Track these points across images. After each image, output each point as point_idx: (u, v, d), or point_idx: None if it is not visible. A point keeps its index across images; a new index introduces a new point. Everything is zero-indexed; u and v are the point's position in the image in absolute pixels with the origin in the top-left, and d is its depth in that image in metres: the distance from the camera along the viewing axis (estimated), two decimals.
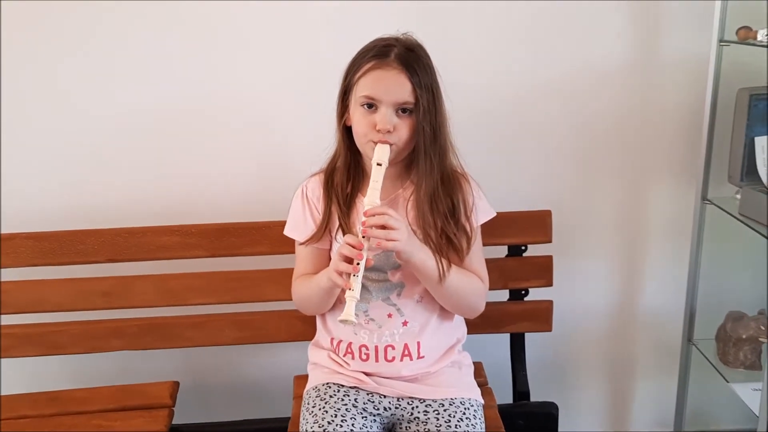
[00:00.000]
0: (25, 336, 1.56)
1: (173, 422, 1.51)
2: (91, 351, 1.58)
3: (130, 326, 1.57)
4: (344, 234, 1.26)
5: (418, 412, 1.29)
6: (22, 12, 1.52)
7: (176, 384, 1.59)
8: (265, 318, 1.59)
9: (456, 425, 1.25)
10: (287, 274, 1.43)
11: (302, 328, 1.55)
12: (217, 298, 1.57)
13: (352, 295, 1.12)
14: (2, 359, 1.68)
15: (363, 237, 1.14)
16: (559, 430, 1.65)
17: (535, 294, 1.62)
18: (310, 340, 1.46)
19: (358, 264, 1.13)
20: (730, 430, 1.90)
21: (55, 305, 1.55)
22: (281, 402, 1.66)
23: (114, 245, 1.53)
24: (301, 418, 1.32)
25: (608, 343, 1.86)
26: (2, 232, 1.53)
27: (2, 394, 1.58)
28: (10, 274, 1.54)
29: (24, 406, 1.54)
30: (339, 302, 1.33)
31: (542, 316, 1.61)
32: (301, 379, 1.52)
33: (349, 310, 1.12)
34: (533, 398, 1.65)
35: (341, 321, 1.12)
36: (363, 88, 1.21)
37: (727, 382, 1.56)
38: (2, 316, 1.56)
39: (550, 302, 1.61)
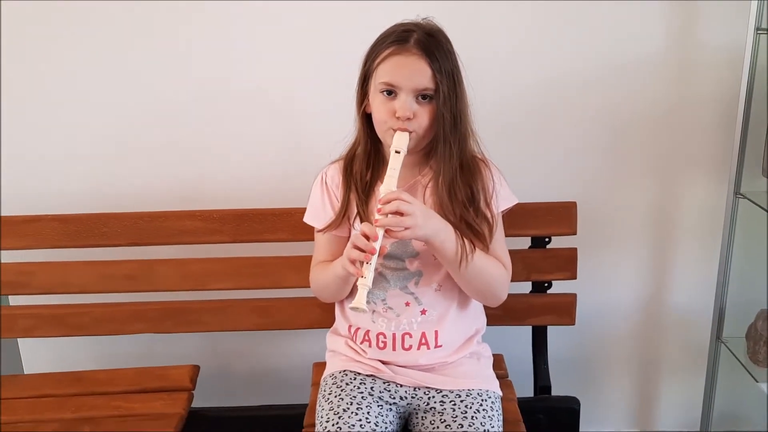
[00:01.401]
0: (49, 316, 1.59)
1: (192, 406, 1.52)
2: (113, 333, 1.60)
3: (152, 310, 1.59)
4: (362, 222, 1.25)
5: (435, 402, 1.27)
6: (46, 10, 1.54)
7: (196, 368, 1.60)
8: (284, 304, 1.59)
9: (473, 417, 1.23)
10: (306, 261, 1.43)
11: (321, 315, 1.55)
12: (237, 283, 1.57)
13: (364, 283, 1.11)
14: (27, 338, 1.73)
15: (377, 227, 1.13)
16: (581, 427, 1.63)
17: (559, 287, 1.59)
18: (329, 327, 1.46)
19: (370, 253, 1.12)
20: None
21: (79, 287, 1.57)
22: (299, 389, 1.67)
23: (136, 229, 1.54)
24: (317, 405, 1.32)
25: (633, 340, 1.82)
26: (29, 214, 1.55)
27: (26, 373, 1.62)
28: (36, 255, 1.56)
29: (47, 385, 1.56)
30: (356, 290, 1.32)
31: (565, 310, 1.58)
32: (320, 366, 1.51)
33: (360, 298, 1.10)
34: (554, 393, 1.63)
35: (352, 308, 1.11)
36: (382, 74, 1.20)
37: (756, 381, 1.52)
38: (28, 296, 1.59)
39: (574, 296, 1.58)
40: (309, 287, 1.43)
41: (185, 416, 1.47)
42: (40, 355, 1.79)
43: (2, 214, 1.56)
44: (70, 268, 1.56)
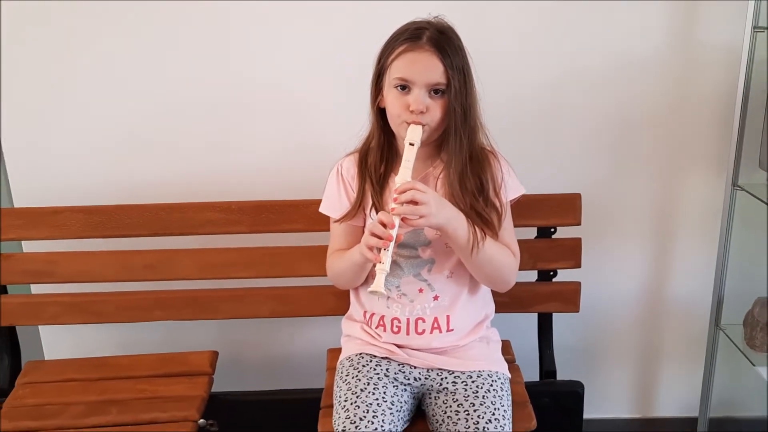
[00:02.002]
0: (72, 304, 1.64)
1: (211, 391, 1.58)
2: (134, 321, 1.65)
3: (172, 298, 1.64)
4: (377, 212, 1.30)
5: (447, 383, 1.34)
6: (67, 9, 1.60)
7: (215, 353, 1.66)
8: (300, 292, 1.65)
9: (483, 396, 1.29)
10: (322, 250, 1.48)
11: (336, 302, 1.61)
12: (254, 272, 1.63)
13: (382, 268, 1.17)
14: (50, 326, 1.78)
15: (393, 215, 1.19)
16: (584, 413, 1.68)
17: (564, 275, 1.65)
18: (343, 314, 1.52)
19: (387, 239, 1.17)
20: (756, 417, 1.91)
21: (101, 276, 1.62)
22: (313, 375, 1.72)
23: (157, 220, 1.60)
24: (334, 386, 1.38)
25: (635, 327, 1.87)
26: (53, 205, 1.60)
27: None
28: (59, 245, 1.62)
29: (71, 370, 1.62)
30: (371, 277, 1.37)
31: (570, 298, 1.64)
32: (335, 352, 1.58)
33: (379, 282, 1.16)
34: (559, 378, 1.68)
35: (371, 292, 1.17)
36: (396, 70, 1.25)
37: (754, 365, 1.58)
38: (53, 285, 1.64)
39: (578, 284, 1.64)
40: (324, 276, 1.49)
41: (207, 398, 1.53)
42: (59, 344, 1.84)
43: (28, 206, 1.61)
44: (94, 258, 1.62)
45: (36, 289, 1.74)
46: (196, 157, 1.70)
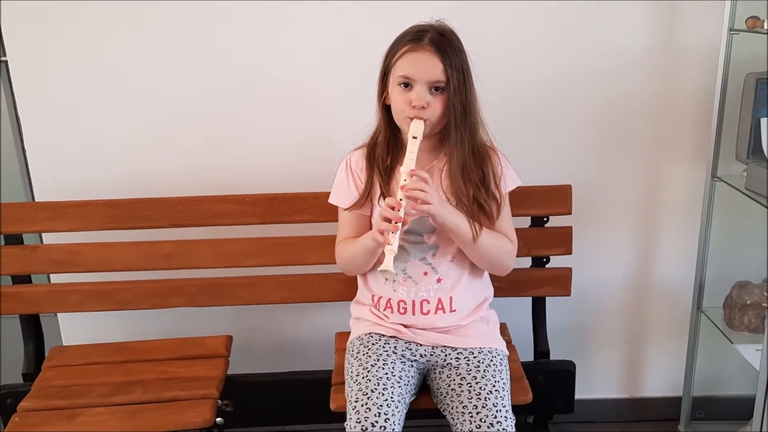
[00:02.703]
0: (94, 292, 1.73)
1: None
2: (153, 307, 1.74)
3: (189, 285, 1.73)
4: (385, 200, 1.41)
5: (451, 359, 1.45)
6: (89, 8, 1.69)
7: (230, 337, 1.76)
8: (309, 279, 1.75)
9: (484, 370, 1.41)
10: (330, 240, 1.59)
11: (343, 289, 1.71)
12: (266, 261, 1.72)
13: (391, 249, 1.27)
14: (68, 315, 1.87)
15: (401, 199, 1.29)
16: (576, 393, 1.79)
17: (556, 261, 1.76)
18: (350, 300, 1.62)
19: (396, 223, 1.28)
20: (737, 395, 2.02)
21: (123, 265, 1.71)
22: (322, 358, 1.84)
23: (176, 212, 1.69)
24: (345, 363, 1.48)
25: (623, 310, 1.98)
26: (79, 199, 1.69)
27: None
28: (83, 237, 1.71)
29: (94, 354, 1.72)
30: (379, 263, 1.48)
31: (562, 282, 1.75)
32: (342, 335, 1.69)
33: (388, 262, 1.27)
34: (552, 358, 1.79)
35: (381, 271, 1.28)
36: (400, 69, 1.36)
37: (732, 343, 1.68)
38: (76, 274, 1.73)
39: (570, 269, 1.75)
40: (332, 263, 1.60)
41: (224, 379, 1.63)
42: (77, 332, 1.93)
43: (54, 200, 1.70)
44: (115, 248, 1.71)
45: (59, 278, 1.82)
46: (212, 152, 1.80)
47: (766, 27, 1.53)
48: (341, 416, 1.41)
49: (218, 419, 1.58)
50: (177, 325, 1.88)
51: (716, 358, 1.95)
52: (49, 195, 1.78)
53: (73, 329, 1.94)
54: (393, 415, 1.30)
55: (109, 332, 1.88)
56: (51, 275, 1.85)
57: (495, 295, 1.61)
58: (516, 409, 1.40)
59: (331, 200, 1.53)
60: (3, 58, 1.88)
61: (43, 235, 1.83)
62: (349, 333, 1.58)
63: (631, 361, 2.05)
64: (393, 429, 1.28)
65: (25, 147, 1.80)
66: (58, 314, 1.94)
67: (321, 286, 1.75)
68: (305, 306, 1.87)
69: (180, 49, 1.73)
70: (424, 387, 1.50)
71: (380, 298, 1.51)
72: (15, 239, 1.70)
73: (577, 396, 1.82)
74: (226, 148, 1.80)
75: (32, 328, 1.76)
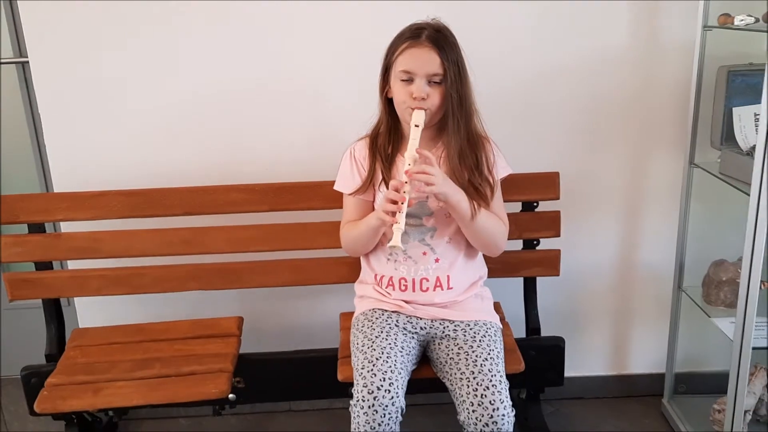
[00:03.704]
0: (114, 277, 1.84)
1: None
2: (170, 291, 1.85)
3: (203, 269, 1.85)
4: (386, 186, 1.53)
5: (449, 331, 1.57)
6: (114, 14, 1.81)
7: (241, 318, 1.88)
8: (315, 263, 1.86)
9: (480, 340, 1.53)
10: (334, 226, 1.71)
11: (347, 271, 1.82)
12: (275, 246, 1.84)
13: (398, 227, 1.39)
14: (90, 299, 1.98)
15: (406, 182, 1.41)
16: (566, 371, 1.90)
17: (546, 244, 1.88)
18: (353, 282, 1.74)
19: (402, 203, 1.40)
20: (717, 371, 2.12)
21: (141, 251, 1.82)
22: (327, 338, 1.94)
23: (190, 201, 1.80)
24: (351, 336, 1.60)
25: (610, 291, 2.09)
26: (99, 190, 1.80)
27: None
28: (104, 225, 1.82)
29: (114, 335, 1.83)
30: (380, 245, 1.61)
31: (551, 263, 1.87)
32: (347, 315, 1.80)
33: (396, 238, 1.39)
34: (543, 335, 1.91)
35: (390, 247, 1.39)
36: (401, 64, 1.49)
37: (709, 317, 1.80)
38: (97, 260, 1.84)
39: (558, 251, 1.87)
40: (336, 248, 1.72)
41: (237, 355, 1.74)
42: (93, 316, 2.03)
43: (76, 191, 1.80)
44: (133, 236, 1.82)
45: (77, 265, 1.92)
46: (224, 145, 1.91)
47: (736, 23, 1.65)
48: (345, 392, 1.51)
49: (230, 395, 1.69)
50: (188, 311, 1.98)
51: (698, 335, 2.06)
52: (67, 187, 1.88)
53: (89, 316, 2.04)
54: (396, 380, 1.42)
55: (123, 318, 1.97)
56: (69, 262, 1.95)
57: (489, 276, 1.73)
58: (510, 378, 1.50)
59: (336, 187, 1.65)
60: (22, 59, 2.00)
61: (62, 224, 1.93)
62: (352, 313, 1.70)
63: (618, 340, 2.16)
64: (396, 393, 1.40)
65: (45, 142, 1.90)
66: (76, 302, 2.04)
67: (326, 268, 1.86)
68: (311, 289, 1.97)
69: (195, 49, 1.84)
70: (425, 359, 1.62)
71: (383, 276, 1.63)
72: (38, 228, 1.81)
73: (567, 374, 1.93)
74: (238, 141, 1.91)
75: (54, 311, 1.86)
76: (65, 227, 1.91)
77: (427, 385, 1.59)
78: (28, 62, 1.86)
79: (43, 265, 1.83)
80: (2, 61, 2.02)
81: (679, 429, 1.99)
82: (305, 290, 1.99)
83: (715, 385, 1.95)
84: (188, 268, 1.85)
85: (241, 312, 1.97)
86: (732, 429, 1.67)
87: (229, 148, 1.92)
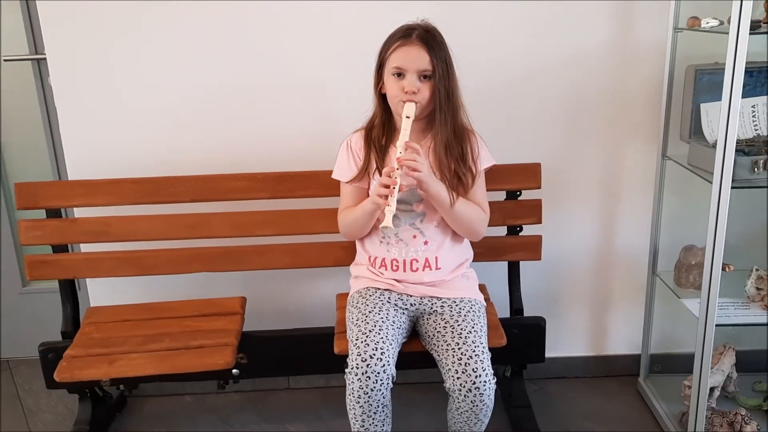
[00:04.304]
0: (124, 259, 1.96)
1: None
2: (177, 272, 1.97)
3: (208, 252, 1.96)
4: (380, 175, 1.66)
5: (437, 307, 1.70)
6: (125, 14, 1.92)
7: (244, 298, 2.00)
8: (313, 247, 1.98)
9: (465, 315, 1.66)
10: (332, 212, 1.84)
11: (343, 254, 1.94)
12: (276, 230, 1.95)
13: (390, 209, 1.52)
14: (107, 278, 2.08)
15: (398, 168, 1.54)
16: (547, 351, 2.01)
17: (528, 230, 2.00)
18: (349, 264, 1.87)
19: (393, 188, 1.53)
20: (689, 352, 2.22)
21: (150, 235, 1.94)
22: (323, 318, 2.07)
23: (196, 188, 1.92)
24: (347, 312, 1.73)
25: (589, 276, 2.21)
26: (111, 177, 1.92)
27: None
28: (115, 211, 1.94)
29: (125, 313, 1.96)
30: (374, 229, 1.74)
31: (533, 248, 2.00)
32: (342, 296, 1.93)
33: (388, 220, 1.51)
34: (525, 315, 2.04)
35: (382, 228, 1.52)
36: (393, 61, 1.61)
37: (679, 298, 1.92)
38: (109, 243, 1.96)
39: (540, 236, 1.99)
40: (333, 233, 1.85)
41: (241, 332, 1.87)
42: (103, 296, 2.14)
43: (89, 179, 1.93)
44: (143, 220, 1.94)
45: (89, 248, 2.04)
46: (228, 136, 2.02)
47: (703, 26, 1.79)
48: (341, 368, 1.62)
49: (234, 370, 1.82)
50: (194, 292, 2.08)
51: (671, 318, 2.17)
52: (79, 176, 2.00)
53: (100, 298, 2.16)
54: (387, 350, 1.55)
55: (132, 299, 2.08)
56: (81, 245, 2.07)
57: (476, 260, 1.86)
58: (493, 353, 1.61)
59: (334, 176, 1.78)
60: (39, 56, 2.13)
61: (75, 210, 2.04)
62: (348, 293, 1.83)
63: (596, 322, 2.28)
64: (387, 361, 1.54)
65: (61, 133, 2.01)
66: (88, 284, 2.16)
67: (323, 252, 1.98)
68: (309, 271, 2.10)
69: (201, 45, 1.95)
70: (415, 334, 1.76)
71: (376, 258, 1.76)
72: (55, 213, 1.93)
73: (549, 354, 2.06)
74: (241, 132, 2.03)
75: (69, 291, 1.99)
76: (78, 213, 2.03)
77: (417, 359, 1.71)
78: (44, 59, 1.98)
79: (60, 248, 1.95)
80: (20, 57, 2.14)
81: (654, 406, 2.11)
82: (304, 272, 2.11)
83: (688, 364, 2.05)
84: (194, 251, 1.96)
85: (244, 293, 2.08)
86: (698, 398, 1.80)
87: (233, 139, 2.03)
